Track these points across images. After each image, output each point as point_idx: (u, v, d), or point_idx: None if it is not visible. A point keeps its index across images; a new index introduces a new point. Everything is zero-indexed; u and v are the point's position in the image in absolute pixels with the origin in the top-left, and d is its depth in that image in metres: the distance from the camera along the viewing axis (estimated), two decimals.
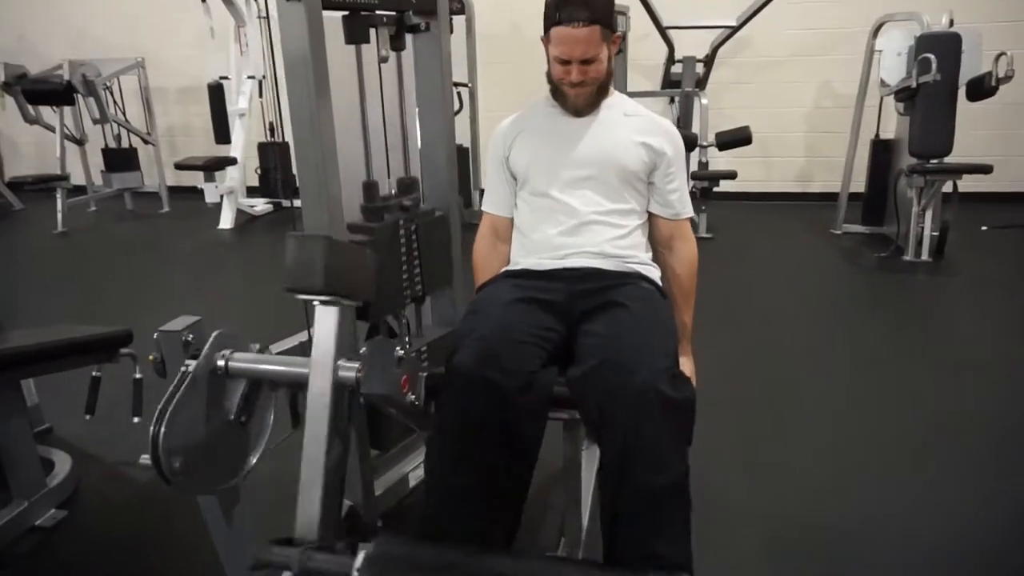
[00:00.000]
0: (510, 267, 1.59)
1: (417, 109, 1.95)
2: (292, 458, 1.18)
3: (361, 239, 1.66)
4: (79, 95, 5.40)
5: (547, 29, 1.49)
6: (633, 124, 1.58)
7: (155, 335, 1.27)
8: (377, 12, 1.64)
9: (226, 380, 1.28)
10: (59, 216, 5.47)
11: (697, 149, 4.81)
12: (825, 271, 4.19)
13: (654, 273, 1.57)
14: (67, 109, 5.76)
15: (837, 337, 3.14)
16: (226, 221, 5.50)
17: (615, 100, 1.62)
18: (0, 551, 1.79)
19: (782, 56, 5.52)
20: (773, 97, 5.62)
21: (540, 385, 1.27)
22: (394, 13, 1.69)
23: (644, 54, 5.48)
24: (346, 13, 1.60)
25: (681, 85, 5.27)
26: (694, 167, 4.90)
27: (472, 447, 1.24)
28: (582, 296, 1.43)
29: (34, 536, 1.86)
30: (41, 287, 4.19)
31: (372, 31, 1.65)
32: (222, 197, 5.54)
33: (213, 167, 5.50)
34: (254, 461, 1.38)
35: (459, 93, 5.15)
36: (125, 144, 6.14)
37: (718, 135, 4.69)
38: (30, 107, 5.60)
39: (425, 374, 1.30)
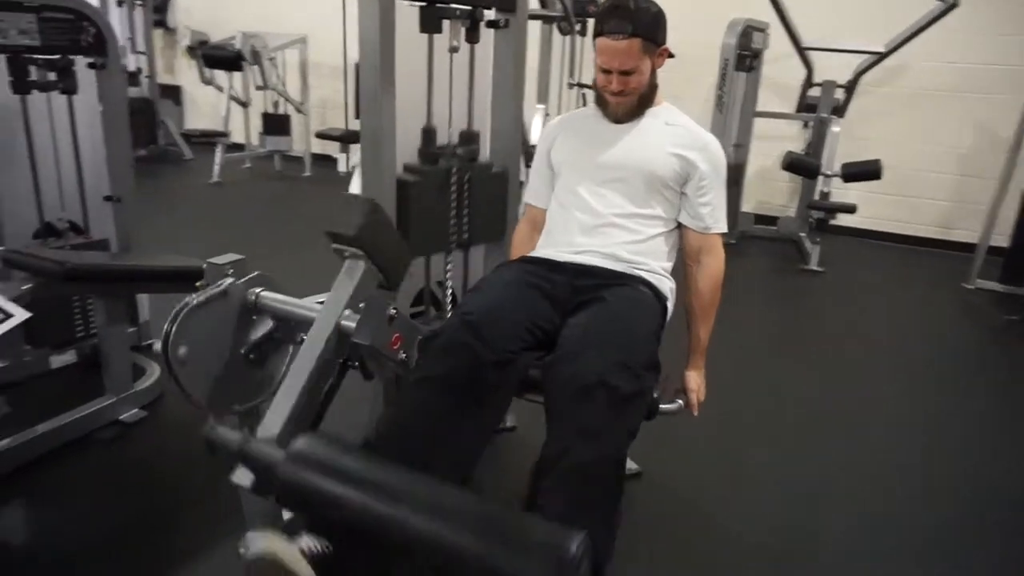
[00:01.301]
0: (530, 253, 1.68)
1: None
2: None
3: (413, 179, 1.79)
4: (246, 63, 6.01)
5: (594, 38, 1.55)
6: (672, 134, 1.60)
7: (204, 265, 1.48)
8: (451, 5, 1.77)
9: (252, 317, 1.47)
10: (216, 168, 6.12)
11: (820, 178, 4.58)
12: (941, 326, 3.86)
13: (661, 282, 1.59)
14: (237, 74, 6.42)
15: (932, 397, 2.88)
16: (354, 189, 5.92)
17: (661, 110, 1.65)
18: (86, 435, 2.12)
19: (937, 90, 5.11)
20: (921, 133, 5.21)
21: (517, 366, 1.35)
22: (468, 7, 1.81)
23: (781, 74, 5.28)
24: (423, 4, 1.75)
25: (817, 110, 5.04)
26: (816, 197, 4.68)
27: (430, 403, 1.30)
28: (580, 291, 1.49)
29: (116, 428, 2.19)
30: (185, 225, 4.74)
31: (445, 22, 1.79)
32: (352, 168, 5.98)
33: (347, 139, 5.93)
34: (255, 403, 1.55)
35: (584, 94, 5.24)
36: (282, 111, 6.75)
37: (844, 166, 4.44)
38: (207, 70, 6.30)
39: (421, 337, 1.41)
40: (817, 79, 5.04)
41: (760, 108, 5.01)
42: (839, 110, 4.98)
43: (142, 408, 2.27)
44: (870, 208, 5.18)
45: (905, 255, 5.16)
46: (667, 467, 2.17)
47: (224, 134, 6.25)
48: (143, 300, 2.76)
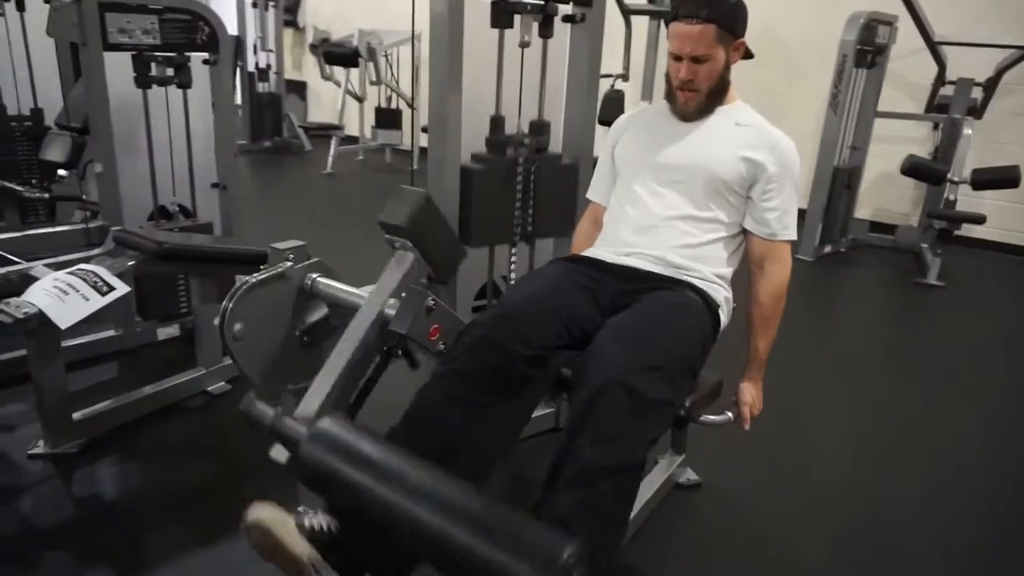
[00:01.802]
0: (583, 252, 1.65)
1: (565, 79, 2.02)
2: None
3: (478, 168, 1.80)
4: (362, 59, 6.28)
5: (668, 23, 1.50)
6: (740, 134, 1.53)
7: (268, 250, 1.57)
8: (523, 0, 1.77)
9: (308, 301, 1.54)
10: (330, 159, 6.44)
11: (947, 185, 4.20)
12: None
13: (715, 291, 1.51)
14: (355, 70, 6.72)
15: None
16: None
17: (732, 109, 1.58)
18: (177, 401, 2.30)
19: None
20: None
21: (550, 363, 1.33)
22: (541, 2, 1.80)
23: (909, 71, 4.88)
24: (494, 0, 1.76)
25: (949, 110, 4.62)
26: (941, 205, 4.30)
27: (456, 397, 1.29)
28: (623, 294, 1.44)
29: (203, 397, 2.36)
30: (294, 212, 5.04)
31: (517, 17, 1.79)
32: None
33: None
34: (308, 383, 1.61)
35: None
36: (394, 106, 6.99)
37: (975, 172, 4.05)
38: (327, 66, 6.65)
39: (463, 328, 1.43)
40: (951, 76, 4.61)
41: (883, 108, 4.65)
42: (976, 111, 4.54)
43: (227, 381, 2.44)
44: (1004, 219, 4.70)
45: None
46: (732, 481, 2.07)
47: (339, 127, 6.57)
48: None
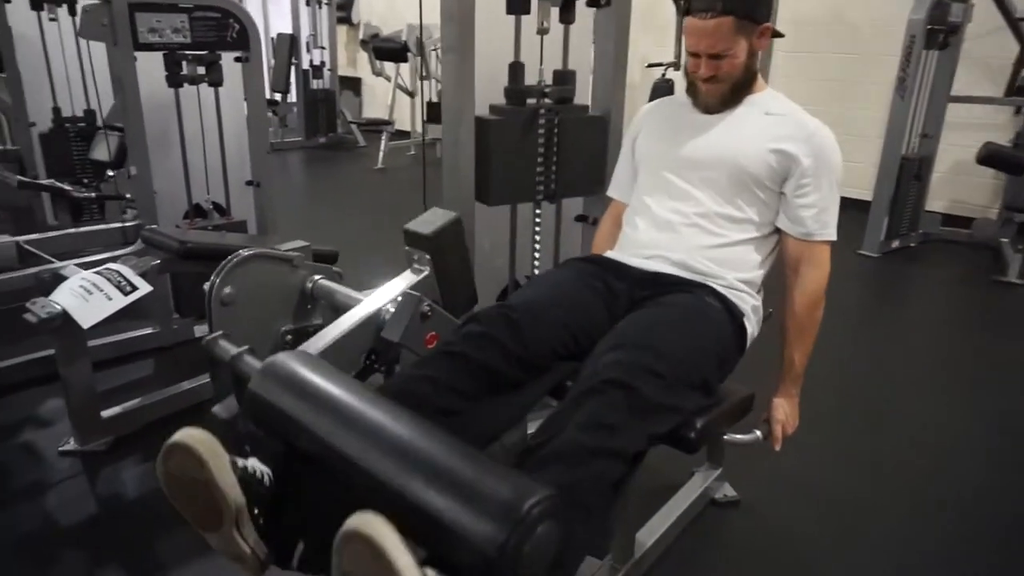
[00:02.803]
0: (602, 253, 1.54)
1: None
2: None
3: (494, 119, 1.67)
4: (412, 54, 6.26)
5: (683, 16, 1.38)
6: (770, 125, 1.39)
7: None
8: None
9: (307, 305, 1.48)
10: (380, 155, 6.46)
11: None
12: None
13: (740, 298, 1.37)
14: (404, 65, 6.71)
15: None
16: None
17: (761, 98, 1.44)
18: (207, 399, 2.29)
19: None
20: None
21: (550, 374, 1.23)
22: None
23: (987, 51, 4.51)
24: None
25: None
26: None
27: (448, 377, 1.16)
28: (639, 300, 1.32)
29: None
30: (342, 208, 5.05)
31: (534, 2, 1.69)
32: None
33: None
34: None
35: None
36: None
37: None
38: (378, 62, 6.66)
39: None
40: None
41: (957, 92, 4.31)
42: None
43: None
44: None
45: None
46: (775, 500, 1.92)
47: (388, 122, 6.58)
48: None
